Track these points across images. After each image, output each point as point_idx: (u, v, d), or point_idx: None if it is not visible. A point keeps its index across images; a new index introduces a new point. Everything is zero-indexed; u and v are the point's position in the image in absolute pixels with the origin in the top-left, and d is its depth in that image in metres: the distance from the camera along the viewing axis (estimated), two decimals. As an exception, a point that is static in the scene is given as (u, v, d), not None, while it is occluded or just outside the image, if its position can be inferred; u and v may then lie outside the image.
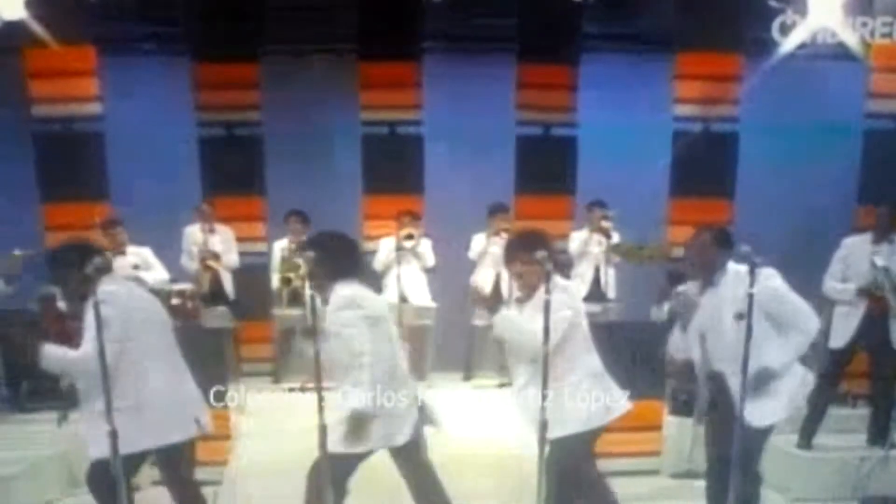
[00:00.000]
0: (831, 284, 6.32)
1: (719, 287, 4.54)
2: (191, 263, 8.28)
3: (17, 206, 8.49)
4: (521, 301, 4.55)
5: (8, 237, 7.38)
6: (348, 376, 4.16)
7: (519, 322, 4.45)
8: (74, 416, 6.51)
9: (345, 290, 4.29)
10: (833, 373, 6.36)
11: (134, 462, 4.19)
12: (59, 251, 4.49)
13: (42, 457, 6.05)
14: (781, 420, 4.58)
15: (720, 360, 4.51)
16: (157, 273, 7.79)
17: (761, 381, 4.33)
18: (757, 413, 4.31)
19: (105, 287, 4.05)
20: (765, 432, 4.52)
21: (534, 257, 4.18)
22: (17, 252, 6.39)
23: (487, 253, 8.38)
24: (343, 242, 4.52)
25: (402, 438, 4.32)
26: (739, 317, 4.21)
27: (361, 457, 4.32)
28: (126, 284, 4.55)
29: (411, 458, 4.50)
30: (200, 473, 5.20)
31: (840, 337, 6.26)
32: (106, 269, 4.18)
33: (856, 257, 6.21)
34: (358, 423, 4.14)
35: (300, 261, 7.63)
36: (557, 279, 4.36)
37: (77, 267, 4.02)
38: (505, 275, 7.90)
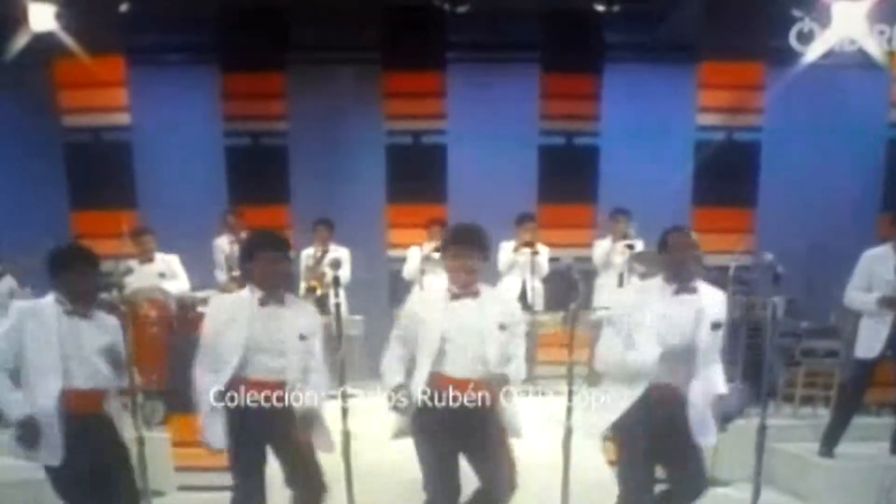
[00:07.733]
0: (855, 295, 6.17)
1: (698, 294, 4.28)
2: (224, 276, 8.32)
3: (47, 214, 8.64)
4: (456, 297, 4.29)
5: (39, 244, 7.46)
6: None
7: None
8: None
9: None
10: (859, 382, 6.30)
11: None
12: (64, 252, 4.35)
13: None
14: None
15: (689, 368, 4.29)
16: (180, 283, 7.77)
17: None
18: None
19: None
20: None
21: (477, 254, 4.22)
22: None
23: (515, 263, 8.25)
24: None
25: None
26: (715, 326, 4.22)
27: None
28: None
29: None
30: (223, 480, 5.24)
31: (870, 348, 6.15)
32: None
33: (879, 268, 6.13)
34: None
35: (325, 269, 7.71)
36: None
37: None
38: (531, 283, 8.00)
